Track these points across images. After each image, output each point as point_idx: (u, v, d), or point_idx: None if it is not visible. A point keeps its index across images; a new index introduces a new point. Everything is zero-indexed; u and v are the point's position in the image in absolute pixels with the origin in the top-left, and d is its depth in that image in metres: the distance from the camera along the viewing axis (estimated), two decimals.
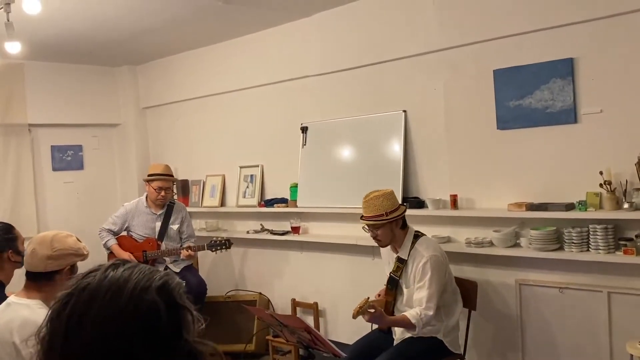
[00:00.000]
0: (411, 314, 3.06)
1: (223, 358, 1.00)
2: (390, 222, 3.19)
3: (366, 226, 3.27)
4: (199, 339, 0.97)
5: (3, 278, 2.75)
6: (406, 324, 3.08)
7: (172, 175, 4.85)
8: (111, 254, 4.71)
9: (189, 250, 4.58)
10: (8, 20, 3.48)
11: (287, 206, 4.78)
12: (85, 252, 2.32)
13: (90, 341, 0.88)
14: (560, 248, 3.37)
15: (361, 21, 4.28)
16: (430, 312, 3.05)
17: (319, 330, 4.30)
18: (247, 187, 5.22)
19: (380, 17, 4.17)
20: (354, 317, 2.96)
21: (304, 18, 4.62)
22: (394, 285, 3.31)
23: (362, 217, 3.27)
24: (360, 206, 3.30)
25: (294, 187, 4.75)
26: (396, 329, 3.29)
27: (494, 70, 3.65)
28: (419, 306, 3.07)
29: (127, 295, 0.91)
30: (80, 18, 4.30)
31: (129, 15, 4.30)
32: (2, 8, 3.46)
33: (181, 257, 4.66)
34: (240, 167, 5.29)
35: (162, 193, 4.70)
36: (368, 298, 3.03)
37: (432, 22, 3.89)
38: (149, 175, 4.79)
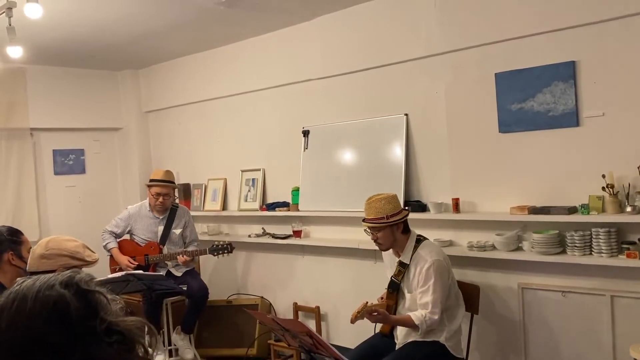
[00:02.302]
0: (416, 315, 3.10)
1: (152, 330, 1.02)
2: (391, 226, 3.20)
3: (367, 229, 3.28)
4: (120, 317, 0.98)
5: (4, 281, 2.75)
6: (410, 325, 3.12)
7: (171, 182, 4.82)
8: (112, 258, 4.71)
9: (184, 256, 4.57)
10: (10, 25, 3.48)
11: (289, 210, 4.77)
12: (90, 260, 2.32)
13: (8, 352, 0.91)
14: (563, 252, 3.36)
15: (362, 24, 4.28)
16: (436, 317, 3.09)
17: (320, 334, 4.28)
18: (249, 190, 5.22)
19: (381, 21, 4.17)
20: (352, 322, 2.97)
21: (305, 22, 4.62)
22: (395, 289, 3.31)
23: (364, 220, 3.28)
24: (362, 210, 3.31)
25: (296, 191, 4.74)
26: (398, 333, 3.29)
27: (495, 74, 3.64)
28: (424, 309, 3.10)
29: (32, 299, 0.94)
30: (82, 22, 4.30)
31: (130, 19, 4.30)
32: (3, 12, 3.46)
33: (177, 263, 4.66)
34: (242, 171, 5.29)
35: (160, 199, 4.69)
36: (367, 302, 3.05)
37: (434, 26, 3.89)
38: (150, 181, 4.80)
